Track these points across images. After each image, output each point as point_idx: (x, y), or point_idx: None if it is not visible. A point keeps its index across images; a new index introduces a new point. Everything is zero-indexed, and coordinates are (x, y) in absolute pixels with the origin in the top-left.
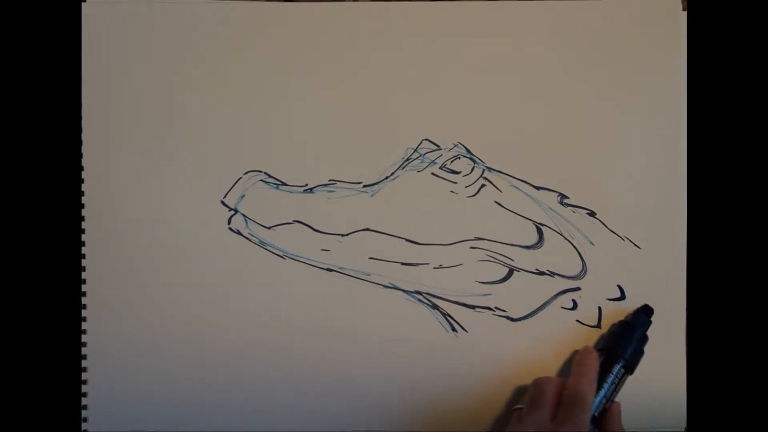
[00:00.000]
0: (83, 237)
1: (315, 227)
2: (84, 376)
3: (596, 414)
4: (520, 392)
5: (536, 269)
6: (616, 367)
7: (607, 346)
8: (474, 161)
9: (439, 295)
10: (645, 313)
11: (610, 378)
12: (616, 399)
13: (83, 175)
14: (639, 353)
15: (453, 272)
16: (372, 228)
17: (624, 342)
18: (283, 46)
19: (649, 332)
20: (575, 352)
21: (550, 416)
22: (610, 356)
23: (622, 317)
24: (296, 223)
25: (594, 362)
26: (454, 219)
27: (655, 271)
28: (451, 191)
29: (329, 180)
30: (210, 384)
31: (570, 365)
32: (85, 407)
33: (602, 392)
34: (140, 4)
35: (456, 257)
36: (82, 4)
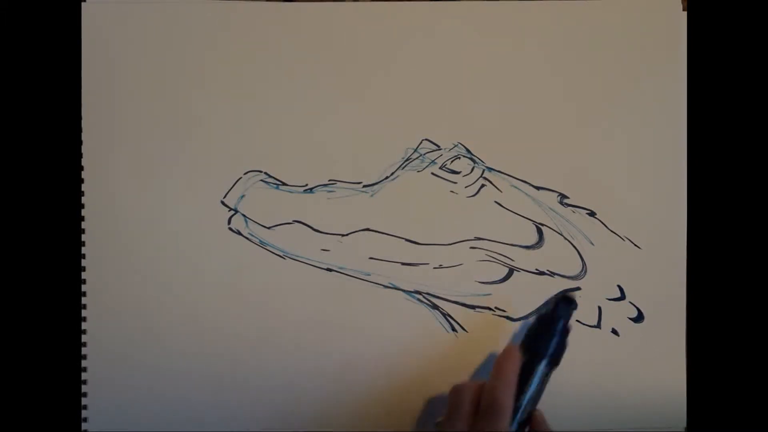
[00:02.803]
0: (83, 237)
1: (315, 227)
2: (84, 376)
3: (522, 419)
4: None
5: (536, 269)
6: (540, 366)
7: (528, 343)
8: (474, 161)
9: (439, 295)
10: (564, 302)
11: (534, 379)
12: (542, 399)
13: (83, 175)
14: (562, 347)
15: (453, 272)
16: (372, 228)
17: (545, 337)
18: (283, 46)
19: (648, 329)
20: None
21: (467, 426)
22: (531, 355)
23: (622, 317)
24: (296, 223)
25: (513, 364)
26: (454, 219)
27: (655, 271)
28: (451, 191)
29: (329, 180)
30: (210, 384)
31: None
32: (85, 407)
33: (527, 394)
34: (140, 4)
35: (456, 257)
36: (82, 4)
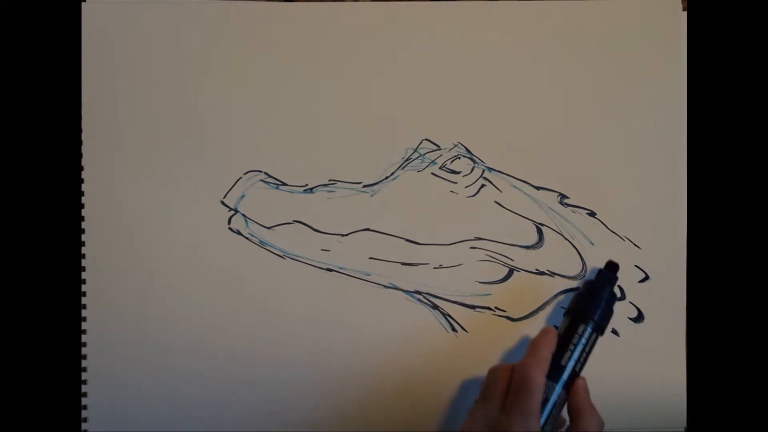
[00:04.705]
0: (83, 237)
1: (315, 227)
2: (84, 376)
3: (566, 378)
4: None
5: (536, 269)
6: (583, 328)
7: (573, 308)
8: (474, 161)
9: (439, 295)
10: (610, 269)
11: (579, 340)
12: (584, 374)
13: (83, 175)
14: (608, 312)
15: (453, 272)
16: (372, 228)
17: (590, 302)
18: (283, 46)
19: (648, 329)
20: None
21: (500, 405)
22: (576, 318)
23: (622, 317)
24: (296, 223)
25: (548, 342)
26: (454, 219)
27: (655, 271)
28: (451, 191)
29: (329, 180)
30: (210, 384)
31: None
32: (85, 407)
33: (572, 355)
34: (140, 4)
35: (456, 257)
36: (82, 4)
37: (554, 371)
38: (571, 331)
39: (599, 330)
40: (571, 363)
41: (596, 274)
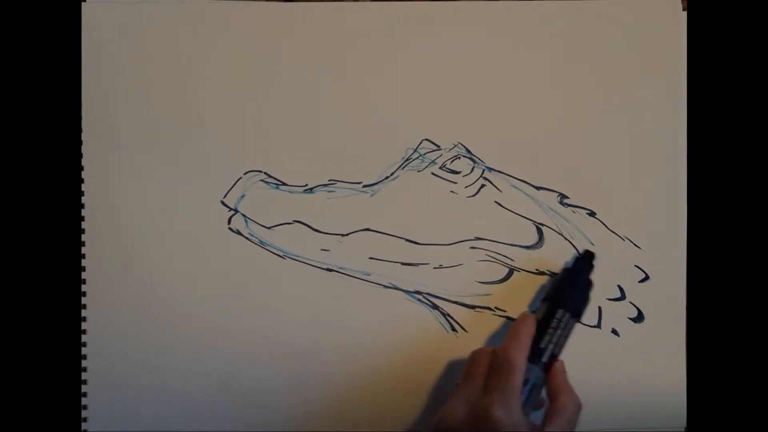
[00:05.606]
0: (83, 237)
1: (315, 227)
2: (84, 376)
3: (545, 361)
4: None
5: (536, 269)
6: (560, 312)
7: (550, 293)
8: (474, 161)
9: (439, 295)
10: (586, 258)
11: (555, 323)
12: (563, 355)
13: (83, 175)
14: (584, 299)
15: (453, 272)
16: (372, 228)
17: (566, 287)
18: (283, 46)
19: (648, 329)
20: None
21: (482, 386)
22: (553, 303)
23: (622, 317)
24: (296, 223)
25: (527, 326)
26: (454, 219)
27: (655, 271)
28: (451, 191)
29: (329, 180)
30: (210, 384)
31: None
32: (85, 407)
33: (551, 337)
34: (140, 4)
35: (456, 257)
36: (82, 4)
37: (534, 354)
38: (549, 316)
39: (576, 315)
40: (550, 346)
41: (573, 262)
